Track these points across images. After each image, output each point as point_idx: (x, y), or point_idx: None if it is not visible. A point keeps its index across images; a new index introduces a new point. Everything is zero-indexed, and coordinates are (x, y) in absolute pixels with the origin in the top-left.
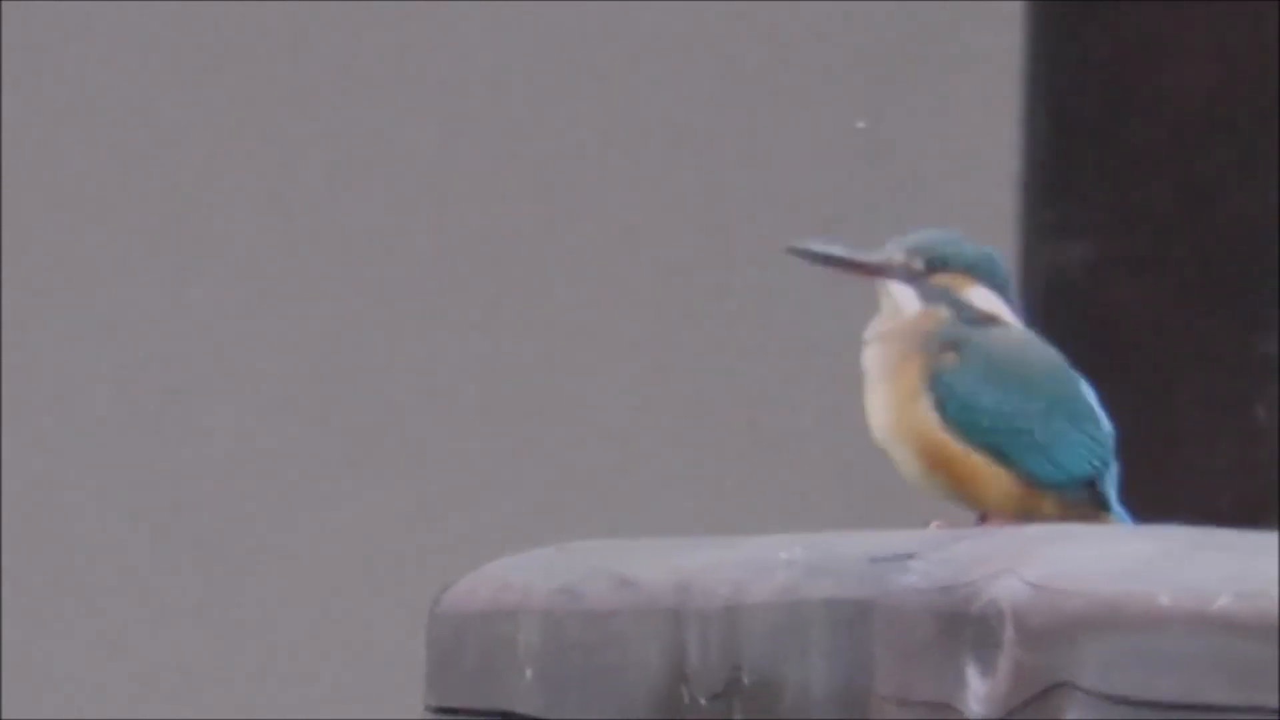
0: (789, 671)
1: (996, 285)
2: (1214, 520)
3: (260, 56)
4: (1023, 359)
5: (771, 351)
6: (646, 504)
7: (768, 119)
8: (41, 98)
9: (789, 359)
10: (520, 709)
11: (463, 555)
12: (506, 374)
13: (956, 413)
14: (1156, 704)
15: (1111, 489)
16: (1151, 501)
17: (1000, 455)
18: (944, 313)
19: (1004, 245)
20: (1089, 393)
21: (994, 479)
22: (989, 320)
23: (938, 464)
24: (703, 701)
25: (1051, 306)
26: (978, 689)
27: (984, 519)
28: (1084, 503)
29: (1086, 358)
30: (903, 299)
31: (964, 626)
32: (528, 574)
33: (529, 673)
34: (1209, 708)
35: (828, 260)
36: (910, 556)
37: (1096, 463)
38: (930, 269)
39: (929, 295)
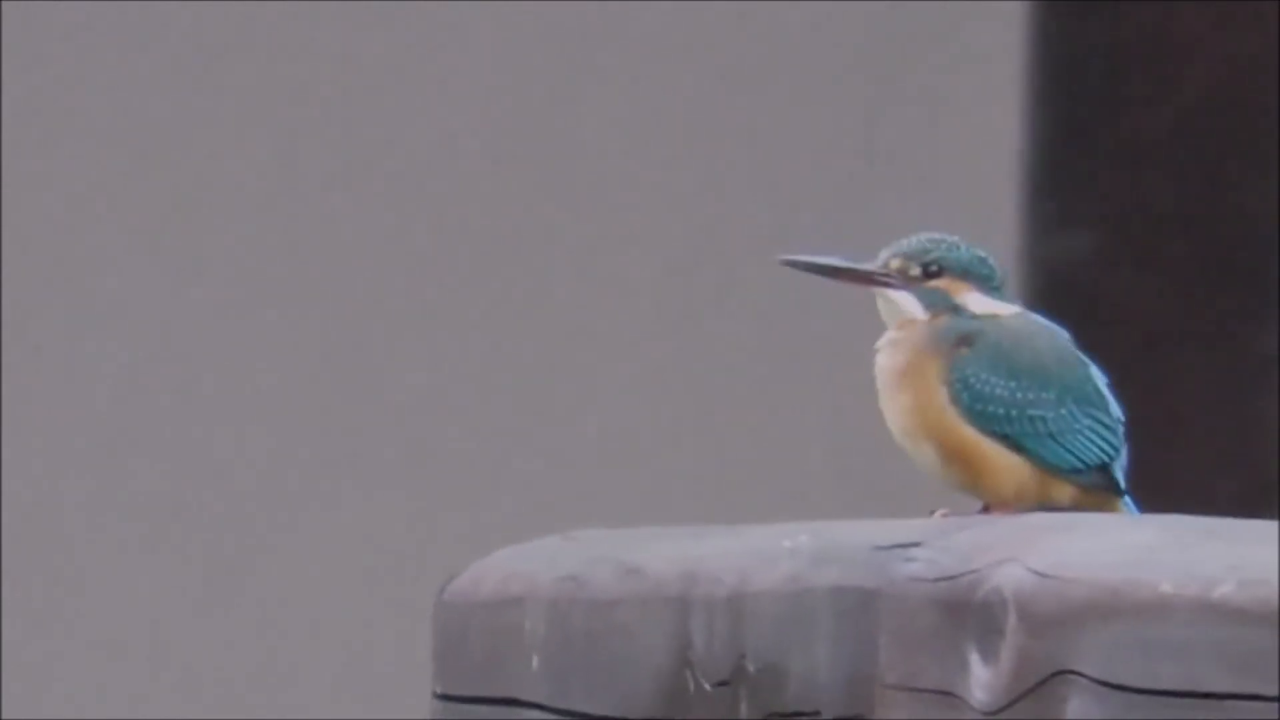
0: (794, 659)
1: (992, 287)
2: (1215, 510)
3: (261, 56)
4: (1034, 347)
5: (773, 345)
6: (651, 494)
7: (770, 112)
8: (42, 98)
9: (791, 352)
10: (526, 696)
11: (467, 547)
12: (510, 368)
13: (971, 403)
14: (1158, 691)
15: (1122, 474)
16: (1153, 491)
17: (1015, 444)
18: (948, 313)
19: (1006, 237)
20: (1100, 378)
21: (1010, 468)
22: (993, 316)
23: (955, 456)
24: (708, 689)
25: (1052, 298)
26: (981, 676)
27: (987, 508)
28: (1098, 488)
29: (1087, 349)
30: (904, 304)
31: (967, 614)
32: (533, 563)
33: (535, 661)
34: (1210, 695)
35: (822, 271)
36: (914, 545)
37: (1108, 448)
38: (926, 275)
39: (927, 301)
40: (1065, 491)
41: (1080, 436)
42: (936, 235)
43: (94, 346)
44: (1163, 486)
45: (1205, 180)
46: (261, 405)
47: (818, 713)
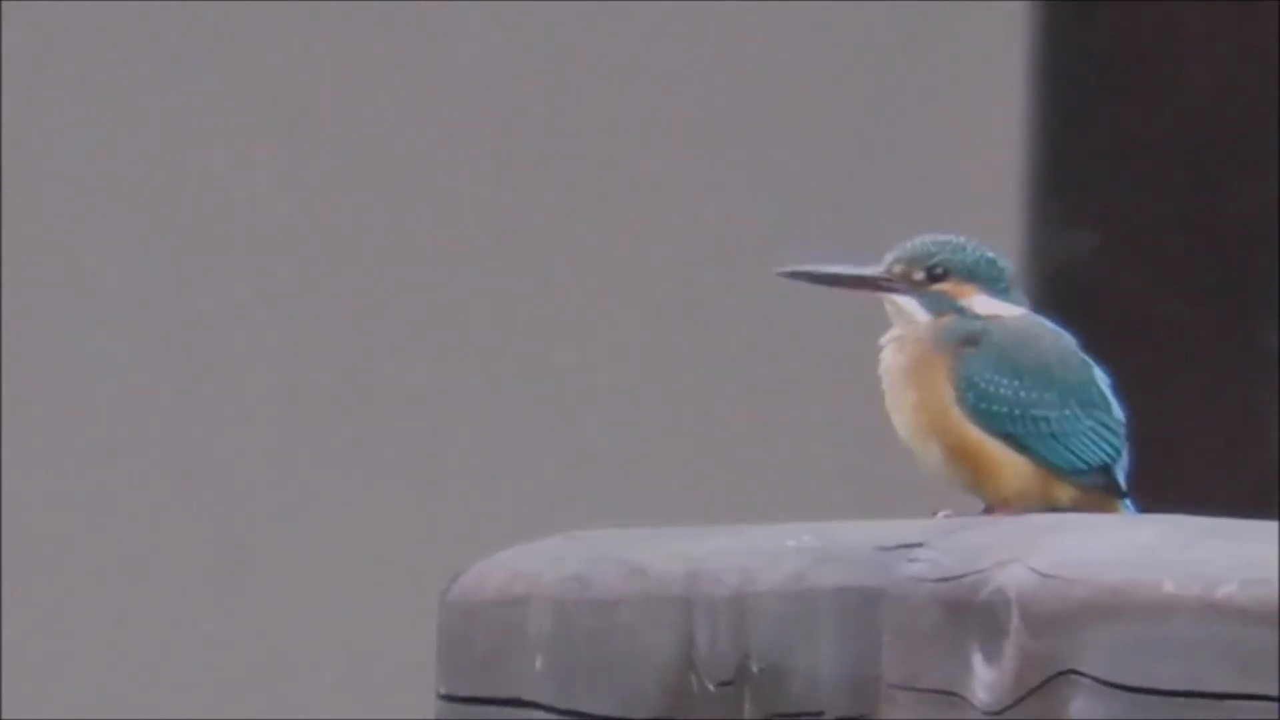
0: (797, 659)
1: (999, 290)
2: (1217, 509)
3: (261, 55)
4: (1037, 348)
5: (777, 345)
6: (655, 494)
7: (773, 111)
8: (42, 98)
9: (794, 352)
10: (530, 697)
11: (471, 546)
12: (514, 367)
13: (976, 402)
14: (1161, 691)
15: (1124, 475)
16: (1154, 490)
17: (1018, 444)
18: (953, 314)
19: (1010, 236)
20: (1103, 379)
21: (1013, 468)
22: (998, 318)
23: (959, 455)
24: (711, 689)
25: (1056, 296)
26: (984, 677)
27: (990, 509)
28: (1099, 489)
29: (1090, 347)
30: (908, 309)
31: (970, 615)
32: (538, 562)
33: (539, 660)
34: (1213, 695)
35: (824, 280)
36: (917, 545)
37: (1111, 449)
38: (931, 278)
39: (932, 303)
40: (1067, 492)
41: (1083, 437)
42: (942, 237)
43: (94, 346)
44: (1164, 486)
45: (1208, 179)
46: (263, 404)
47: (821, 713)
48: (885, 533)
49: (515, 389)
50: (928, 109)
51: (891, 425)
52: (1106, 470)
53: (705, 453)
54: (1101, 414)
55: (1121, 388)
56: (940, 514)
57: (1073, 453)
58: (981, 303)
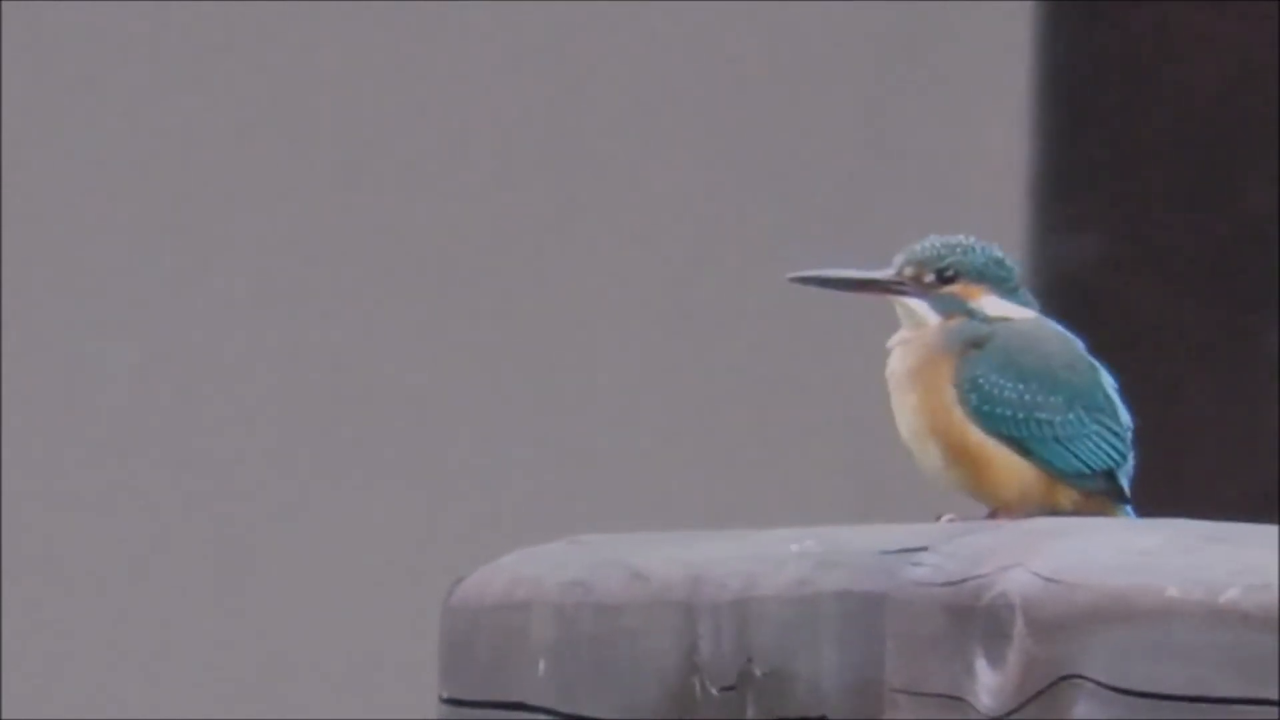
0: (800, 663)
1: (1008, 290)
2: (1221, 513)
3: (262, 56)
4: (1043, 351)
5: (781, 348)
6: (658, 498)
7: (777, 113)
8: (42, 98)
9: (798, 356)
10: (532, 701)
11: (474, 551)
12: (517, 371)
13: (979, 405)
14: (1165, 696)
15: (1127, 482)
16: (1159, 494)
17: (1021, 447)
18: (962, 316)
19: (1014, 239)
20: (1110, 384)
21: (1015, 471)
22: (1007, 320)
23: (961, 457)
24: (714, 693)
25: (1061, 300)
26: (987, 681)
27: (993, 513)
28: (1102, 494)
29: (1094, 351)
30: (919, 311)
31: (974, 619)
32: (540, 567)
33: (541, 665)
34: (1217, 700)
35: (833, 284)
36: (921, 550)
37: (1115, 455)
38: (941, 280)
39: (942, 305)
40: (1069, 496)
41: (1087, 442)
42: (951, 239)
43: (95, 346)
44: (1169, 490)
45: (1213, 182)
46: (264, 405)
47: (824, 717)
48: (888, 537)
49: (517, 392)
50: (932, 112)
51: (895, 427)
52: (1110, 475)
53: (708, 457)
54: (1107, 419)
55: (1125, 391)
56: (944, 518)
57: (1076, 457)
58: (991, 304)
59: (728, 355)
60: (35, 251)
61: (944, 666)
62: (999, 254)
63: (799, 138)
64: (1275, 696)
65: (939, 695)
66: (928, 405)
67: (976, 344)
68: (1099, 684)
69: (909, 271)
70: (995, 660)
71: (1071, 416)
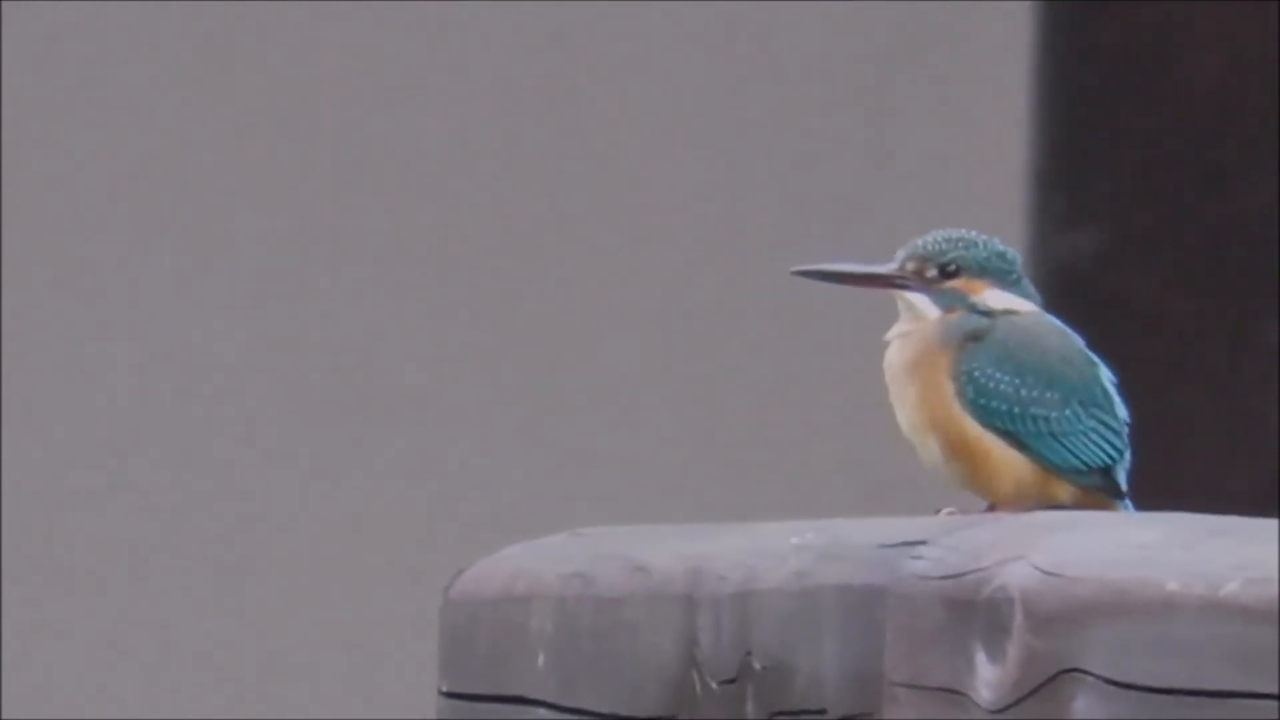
0: (800, 657)
1: (1010, 282)
2: (1221, 507)
3: (263, 56)
4: (1042, 346)
5: (782, 342)
6: (659, 492)
7: (778, 110)
8: (42, 98)
9: (799, 350)
10: (532, 694)
11: (474, 543)
12: (518, 365)
13: (976, 398)
14: (1164, 690)
15: (1124, 477)
16: (1159, 488)
17: (1018, 441)
18: (963, 310)
19: (1014, 234)
20: (1108, 379)
21: (1011, 465)
22: (1008, 313)
23: (957, 450)
24: (714, 687)
25: (1061, 294)
26: (987, 675)
27: (993, 506)
28: (1098, 490)
29: (1094, 345)
30: (921, 306)
31: (974, 613)
32: (540, 560)
33: (541, 658)
34: (1217, 694)
35: (836, 278)
36: (921, 543)
37: (1112, 451)
38: (944, 275)
39: (945, 300)
40: (1065, 491)
41: (1083, 437)
42: (953, 234)
43: (95, 346)
44: (1169, 484)
45: (1211, 177)
46: (265, 406)
47: (824, 711)
48: (888, 530)
49: (518, 386)
50: (931, 108)
51: (895, 421)
52: (1106, 472)
53: (709, 450)
54: (1104, 414)
55: (1125, 386)
56: (944, 511)
57: (1072, 453)
58: (993, 297)
59: (728, 351)
60: (35, 251)
61: (944, 660)
62: (1001, 248)
63: (799, 135)
64: (1276, 690)
65: (939, 689)
66: (926, 398)
67: (975, 337)
68: (1099, 678)
69: (911, 266)
70: (995, 654)
71: (1068, 412)
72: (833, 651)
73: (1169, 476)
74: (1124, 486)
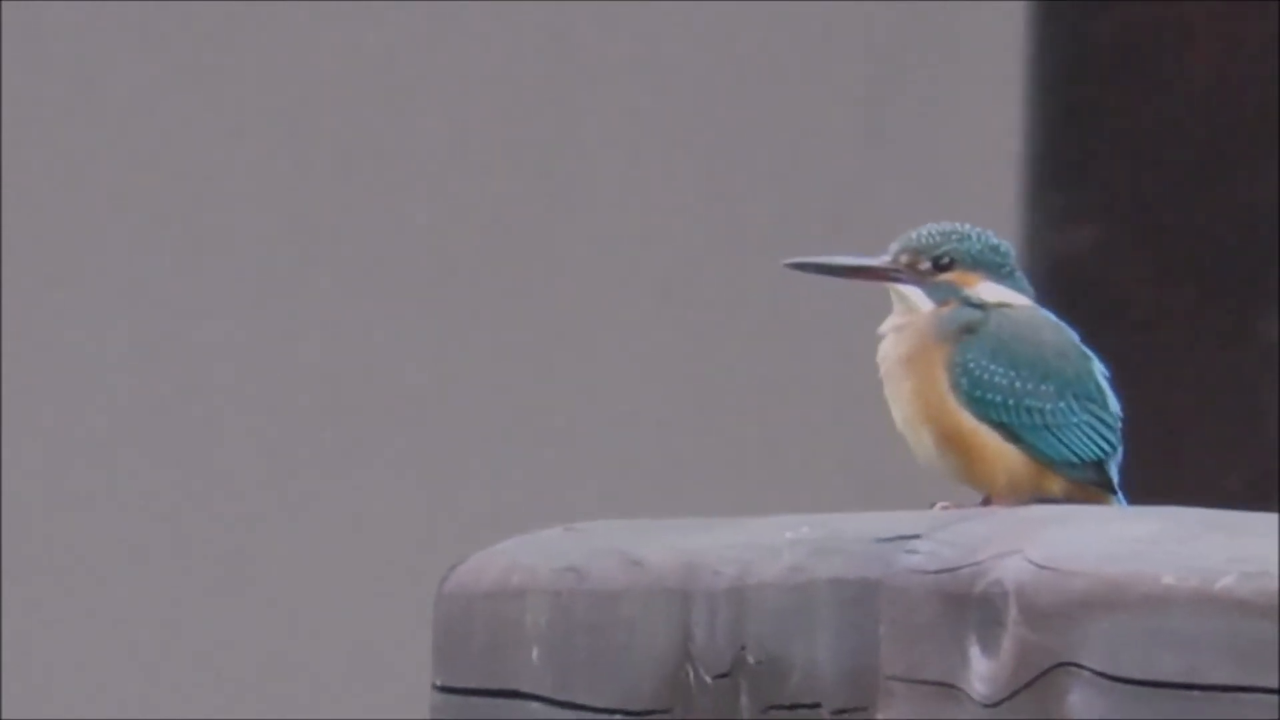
0: (795, 651)
1: (1004, 275)
2: (1218, 501)
3: (262, 54)
4: (1036, 340)
5: (776, 337)
6: (653, 486)
7: (774, 105)
8: (42, 95)
9: (794, 344)
10: (527, 688)
11: (470, 538)
12: (514, 359)
13: (970, 390)
14: (1160, 683)
15: (1117, 472)
16: (1155, 482)
17: (1011, 434)
18: (957, 303)
19: (1009, 229)
20: (1101, 373)
21: (1004, 458)
22: (1002, 306)
23: (951, 442)
24: (708, 681)
25: (1056, 289)
26: (981, 669)
27: (988, 500)
28: (1092, 484)
29: (1090, 340)
30: (915, 298)
31: (968, 607)
32: (535, 554)
33: (536, 652)
34: (1212, 687)
35: (830, 271)
36: (915, 537)
37: (1105, 445)
38: (937, 268)
39: (939, 293)
40: (1058, 485)
41: (1077, 431)
42: (947, 226)
43: (94, 344)
44: (1166, 478)
45: (1207, 170)
46: (264, 402)
47: (818, 705)
48: (883, 524)
49: (514, 382)
50: (926, 102)
51: (889, 415)
52: (1099, 466)
53: (704, 445)
54: (1098, 408)
55: (1120, 380)
56: (938, 505)
57: (1067, 446)
58: (987, 290)
59: (724, 345)
60: (35, 251)
61: (938, 654)
62: (995, 241)
63: (796, 130)
64: (1271, 684)
65: (933, 683)
66: (921, 391)
67: (969, 330)
68: (1093, 671)
69: (905, 259)
70: (989, 648)
71: (1062, 405)
72: (827, 645)
73: (1165, 471)
74: (1116, 481)
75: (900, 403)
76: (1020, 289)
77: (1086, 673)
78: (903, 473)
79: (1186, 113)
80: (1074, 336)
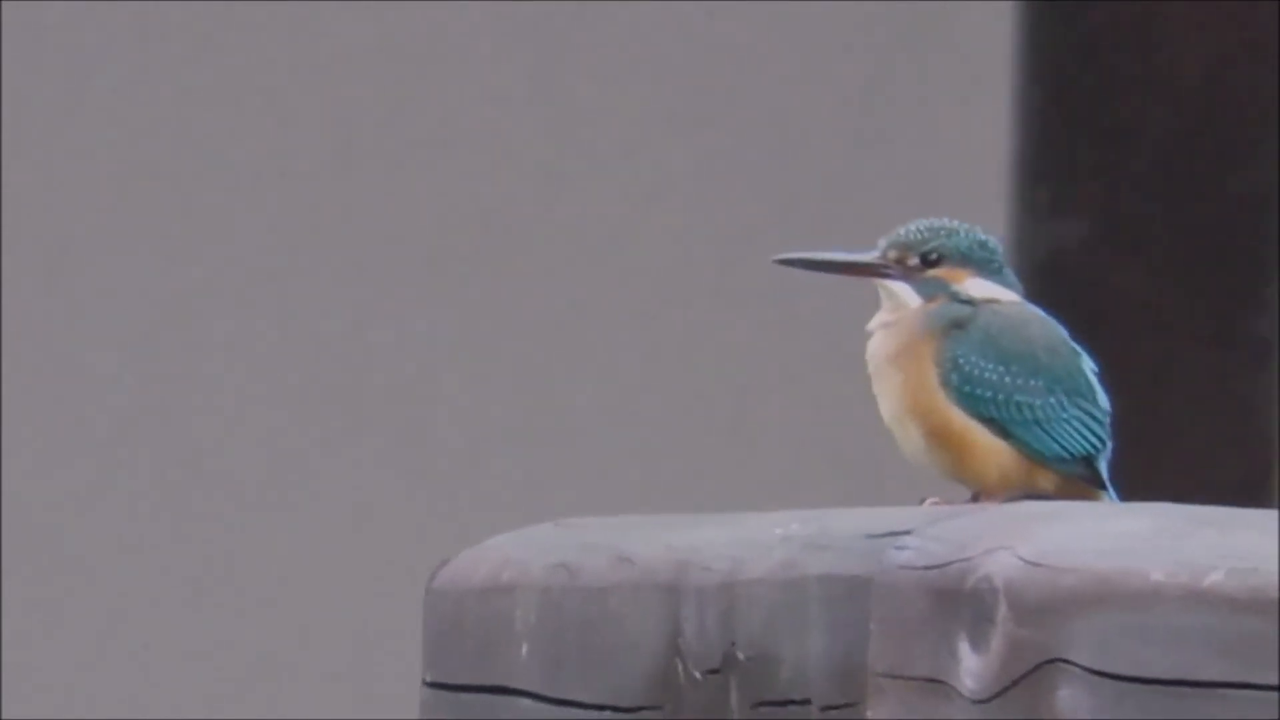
0: (785, 647)
1: (992, 271)
2: (1208, 498)
3: (259, 52)
4: (1025, 335)
5: (766, 333)
6: (644, 482)
7: (762, 101)
8: (42, 95)
9: (784, 341)
10: (517, 685)
11: (461, 534)
12: (504, 356)
13: (960, 385)
14: (1149, 680)
15: (1106, 468)
16: (1146, 479)
17: (1001, 430)
18: (945, 299)
19: (997, 225)
20: (1090, 369)
21: (994, 454)
22: (990, 302)
23: (941, 438)
24: (698, 677)
25: (1044, 286)
26: (971, 665)
27: (977, 497)
28: (1082, 479)
29: (1079, 337)
30: (903, 294)
31: (958, 603)
32: (525, 550)
33: (525, 648)
34: (1202, 684)
35: (819, 266)
36: (905, 533)
37: (1095, 440)
38: (925, 264)
39: (927, 289)
40: (1049, 480)
41: (1067, 426)
42: (935, 222)
43: (92, 344)
44: (1156, 473)
45: (1196, 167)
46: (258, 397)
47: (808, 701)
48: (873, 521)
49: (505, 377)
50: (915, 99)
51: (878, 411)
52: (1089, 461)
53: (695, 441)
54: (1087, 404)
55: (1111, 377)
56: (928, 501)
57: (1056, 441)
58: (975, 286)
59: (715, 341)
60: (35, 250)
61: (928, 650)
62: (983, 236)
63: (785, 126)
64: (1260, 680)
65: (923, 679)
66: (909, 387)
67: (958, 325)
68: (1083, 668)
69: (893, 254)
70: (979, 644)
71: (1052, 400)
72: (817, 642)
73: (1157, 467)
74: (1106, 477)
75: (889, 398)
76: (1009, 285)
77: (1076, 669)
78: (892, 468)
79: (1175, 109)
80: (1063, 332)
